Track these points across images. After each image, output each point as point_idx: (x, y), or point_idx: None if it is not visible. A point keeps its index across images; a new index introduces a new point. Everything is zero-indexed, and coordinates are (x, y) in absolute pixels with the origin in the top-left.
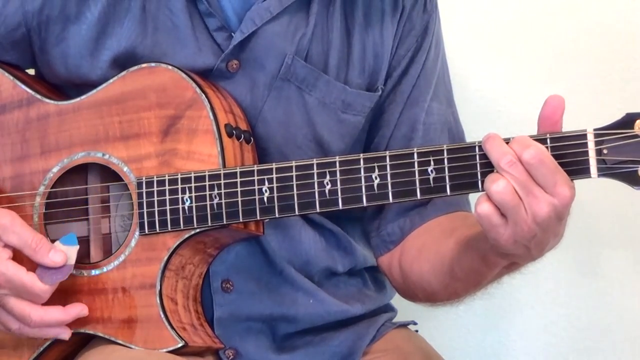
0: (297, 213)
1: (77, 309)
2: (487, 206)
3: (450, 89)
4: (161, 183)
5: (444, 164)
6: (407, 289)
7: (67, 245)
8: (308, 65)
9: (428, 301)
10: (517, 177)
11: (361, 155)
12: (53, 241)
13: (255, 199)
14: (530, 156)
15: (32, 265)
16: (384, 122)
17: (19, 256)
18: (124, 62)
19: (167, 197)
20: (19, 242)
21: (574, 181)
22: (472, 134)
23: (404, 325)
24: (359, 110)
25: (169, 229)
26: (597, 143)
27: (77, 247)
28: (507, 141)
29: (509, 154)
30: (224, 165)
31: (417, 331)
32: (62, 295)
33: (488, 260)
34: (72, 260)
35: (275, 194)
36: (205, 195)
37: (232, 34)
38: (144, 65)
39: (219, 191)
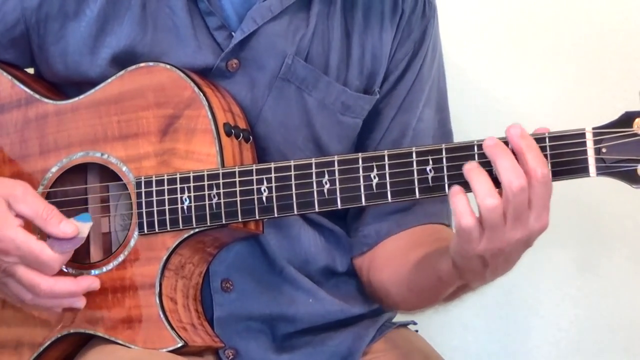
0: (295, 212)
1: (88, 281)
2: (471, 220)
3: (445, 93)
4: (160, 183)
5: (442, 163)
6: (373, 295)
7: (81, 222)
8: (308, 65)
9: (392, 309)
10: (517, 202)
11: (360, 154)
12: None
13: (254, 198)
14: (545, 174)
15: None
16: (376, 125)
17: (30, 229)
18: (123, 60)
19: (166, 197)
20: (30, 212)
21: (574, 180)
22: (472, 134)
23: (404, 325)
24: (357, 113)
25: (168, 229)
26: (595, 142)
27: (91, 223)
28: (504, 140)
29: (523, 178)
30: (223, 165)
31: (417, 331)
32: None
33: (442, 280)
34: (84, 234)
35: (274, 194)
36: (204, 195)
37: (232, 33)
38: (142, 64)
39: (218, 191)
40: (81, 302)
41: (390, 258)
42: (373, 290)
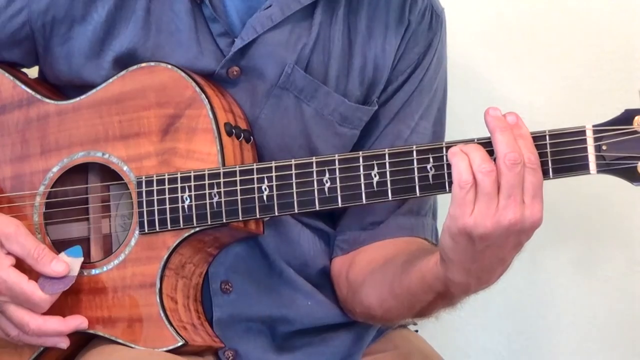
0: (296, 211)
1: (76, 321)
2: (471, 178)
3: (444, 108)
4: (161, 182)
5: (443, 161)
6: (348, 299)
7: (72, 257)
8: (308, 75)
9: (363, 316)
10: (510, 177)
11: (360, 153)
12: (54, 242)
13: (254, 197)
14: (532, 160)
15: (36, 275)
16: (367, 132)
17: (22, 265)
18: (125, 63)
19: (167, 196)
20: (21, 251)
21: (574, 177)
22: (472, 134)
23: (404, 325)
24: (355, 124)
25: (169, 228)
26: (596, 139)
27: (82, 259)
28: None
29: (518, 152)
30: (224, 164)
31: (417, 331)
32: (62, 295)
33: (425, 280)
34: (75, 271)
35: (275, 192)
36: (205, 194)
37: (236, 39)
38: (143, 64)
39: (219, 190)
40: (65, 343)
41: (373, 263)
42: (351, 295)
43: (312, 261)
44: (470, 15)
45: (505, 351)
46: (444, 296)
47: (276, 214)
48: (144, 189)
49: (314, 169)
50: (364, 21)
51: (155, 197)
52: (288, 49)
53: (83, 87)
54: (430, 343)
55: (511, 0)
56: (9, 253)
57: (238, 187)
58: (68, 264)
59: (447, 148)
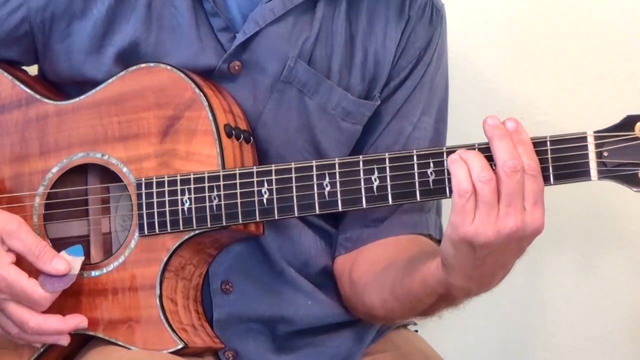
0: (296, 214)
1: (76, 320)
2: (470, 186)
3: (445, 104)
4: (160, 184)
5: (443, 166)
6: (351, 298)
7: (72, 256)
8: (311, 69)
9: (365, 316)
10: (510, 184)
11: (360, 157)
12: (54, 241)
13: (254, 200)
14: (533, 166)
15: (36, 274)
16: (370, 129)
17: (23, 263)
18: (126, 59)
19: (167, 199)
20: (22, 248)
21: (575, 184)
22: (472, 135)
23: (404, 325)
24: (358, 119)
25: (169, 230)
26: (597, 145)
27: (82, 258)
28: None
29: (517, 159)
30: (224, 166)
31: (417, 331)
32: (62, 296)
33: (427, 284)
34: (76, 270)
35: (275, 196)
36: (205, 196)
37: (236, 34)
38: (142, 65)
39: (218, 192)
40: (65, 341)
41: (376, 262)
42: (353, 294)
43: (313, 260)
44: (470, 14)
45: (505, 351)
46: (445, 298)
47: (276, 217)
48: (143, 190)
49: (314, 172)
50: (364, 16)
51: (154, 200)
52: (290, 42)
53: (84, 84)
54: (430, 343)
55: (512, 0)
56: (9, 250)
57: (238, 190)
58: (69, 262)
59: (448, 153)
